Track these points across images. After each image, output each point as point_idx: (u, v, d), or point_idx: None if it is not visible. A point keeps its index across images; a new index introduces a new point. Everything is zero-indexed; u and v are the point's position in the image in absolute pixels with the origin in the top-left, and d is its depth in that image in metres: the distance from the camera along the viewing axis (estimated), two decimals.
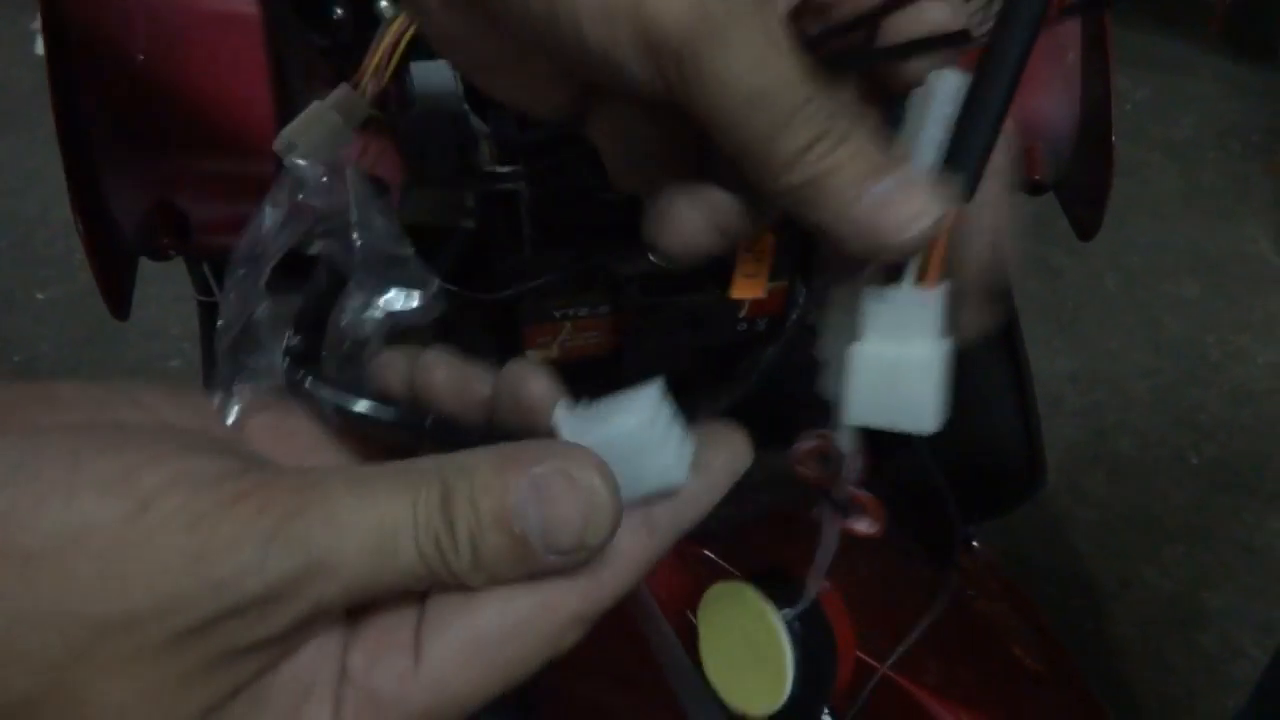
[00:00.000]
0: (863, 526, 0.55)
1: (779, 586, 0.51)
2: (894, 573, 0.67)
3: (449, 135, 0.49)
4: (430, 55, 0.49)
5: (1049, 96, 0.58)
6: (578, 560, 0.23)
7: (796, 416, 0.77)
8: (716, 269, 0.52)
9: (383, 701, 0.23)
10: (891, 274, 0.27)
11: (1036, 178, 0.57)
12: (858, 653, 0.55)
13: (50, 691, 0.19)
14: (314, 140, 0.45)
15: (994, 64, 0.24)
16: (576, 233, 0.47)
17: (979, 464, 0.70)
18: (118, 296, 0.56)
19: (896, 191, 0.24)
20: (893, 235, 0.24)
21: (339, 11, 0.56)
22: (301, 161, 0.46)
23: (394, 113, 0.49)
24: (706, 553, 0.59)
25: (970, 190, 0.25)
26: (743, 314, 0.54)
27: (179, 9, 0.54)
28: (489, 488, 0.23)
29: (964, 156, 0.25)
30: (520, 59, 0.28)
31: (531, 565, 0.23)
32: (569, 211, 0.46)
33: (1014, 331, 0.68)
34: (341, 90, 0.46)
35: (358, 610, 0.24)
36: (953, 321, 0.27)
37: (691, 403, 0.53)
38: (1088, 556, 1.55)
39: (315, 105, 0.46)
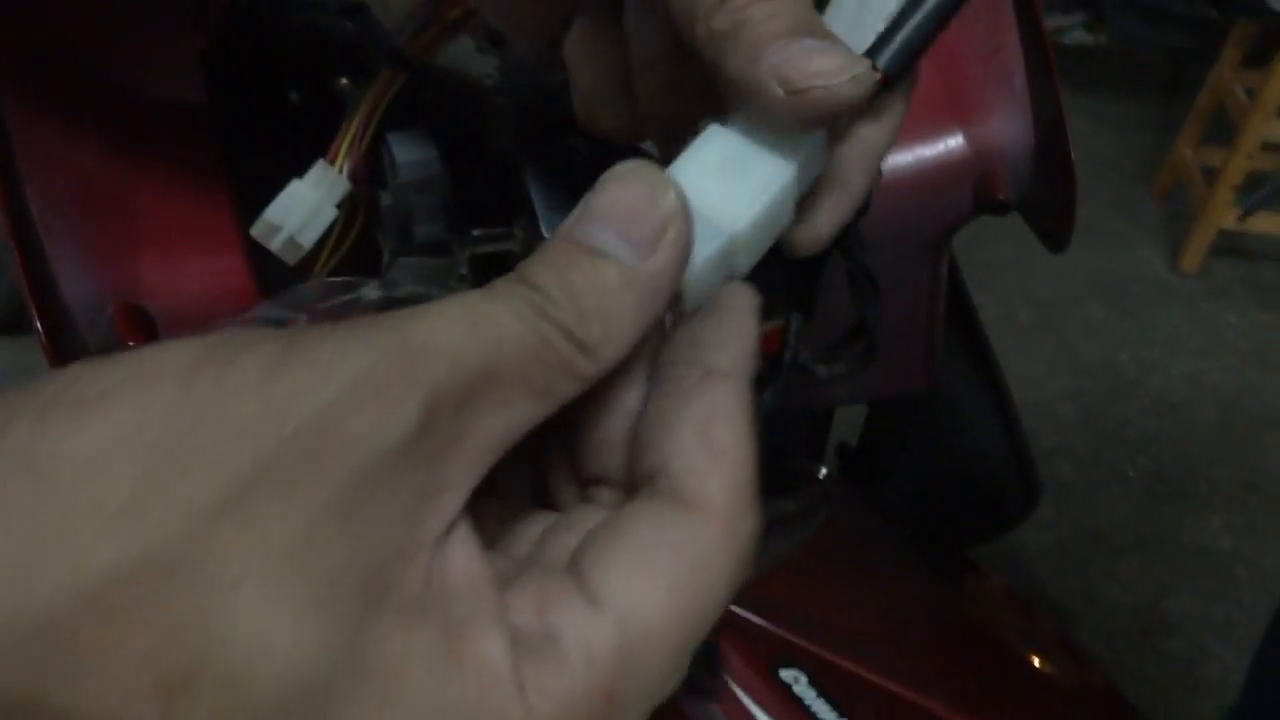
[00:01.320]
0: None
1: None
2: (906, 600, 0.66)
3: (434, 201, 0.47)
4: (405, 125, 0.48)
5: (1002, 120, 0.60)
6: (674, 244, 0.21)
7: (783, 465, 0.76)
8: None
9: (569, 645, 0.18)
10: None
11: (1000, 198, 0.59)
12: (884, 681, 0.54)
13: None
14: (295, 222, 0.44)
15: None
16: None
17: (974, 487, 0.70)
18: None
19: (815, 49, 0.23)
20: (801, 83, 0.23)
21: (294, 95, 0.55)
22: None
23: (373, 186, 0.48)
24: (730, 608, 0.57)
25: (898, 72, 0.24)
26: None
27: (129, 113, 0.52)
28: (554, 249, 0.20)
29: (901, 42, 0.24)
30: None
31: (633, 278, 0.20)
32: None
33: (989, 356, 0.69)
34: (318, 168, 0.45)
35: (491, 522, 0.20)
36: (804, 209, 0.27)
37: None
38: (1048, 580, 1.57)
39: (293, 185, 0.44)
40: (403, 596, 0.17)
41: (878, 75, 0.24)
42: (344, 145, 0.46)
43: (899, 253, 0.61)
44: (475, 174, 0.48)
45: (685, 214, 0.21)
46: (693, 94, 0.28)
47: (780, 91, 0.23)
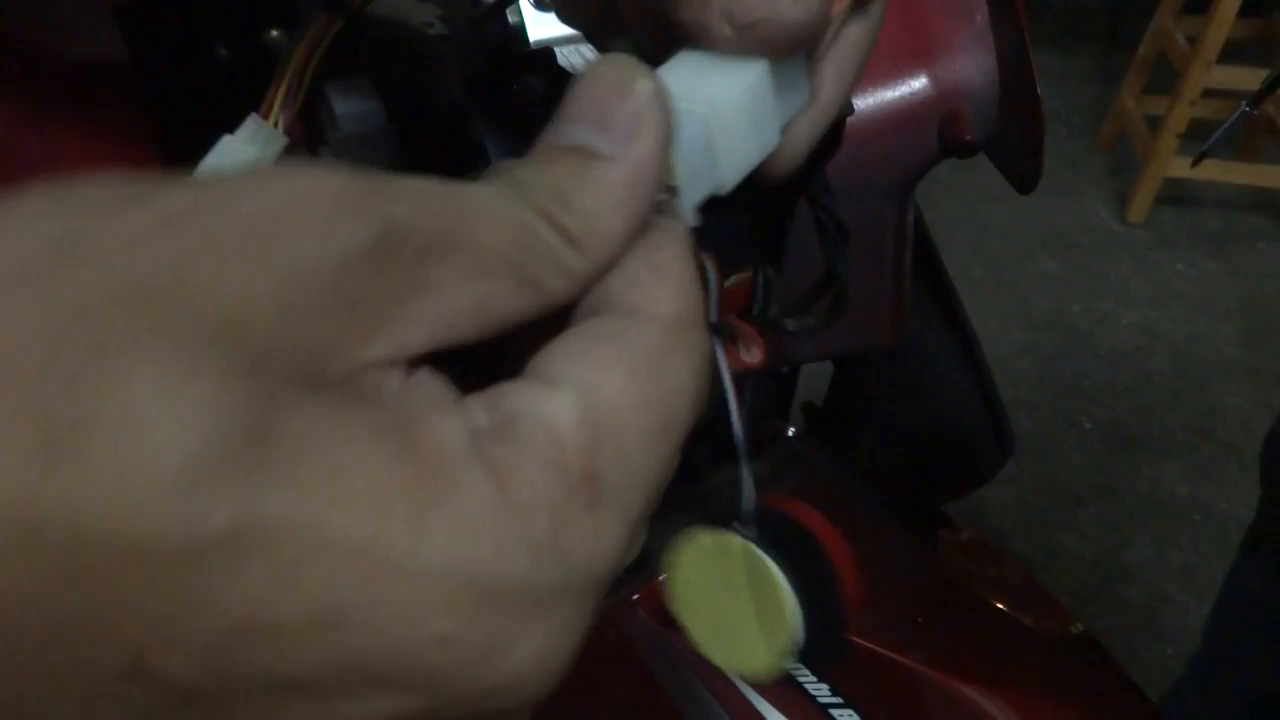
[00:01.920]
0: (749, 357, 0.53)
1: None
2: (883, 559, 0.65)
3: (378, 156, 0.44)
4: (346, 74, 0.44)
5: (966, 59, 0.58)
6: (653, 128, 0.19)
7: (752, 426, 0.74)
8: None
9: (528, 422, 0.16)
10: None
11: (967, 138, 0.57)
12: (863, 640, 0.53)
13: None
14: None
15: None
16: None
17: (945, 442, 0.69)
18: None
19: None
20: (745, 18, 0.22)
21: (222, 50, 0.51)
22: None
23: (312, 141, 0.45)
24: None
25: None
26: None
27: (41, 75, 0.48)
28: (532, 152, 0.19)
29: None
30: None
31: (612, 166, 0.19)
32: None
33: (957, 308, 0.68)
34: (251, 122, 0.42)
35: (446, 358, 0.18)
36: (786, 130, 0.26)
37: None
38: (1011, 534, 1.58)
39: (225, 140, 0.41)
40: (343, 388, 0.15)
41: None
42: (278, 97, 0.43)
43: (864, 201, 0.59)
44: (422, 126, 0.45)
45: (662, 98, 0.19)
46: None
47: (729, 30, 0.22)
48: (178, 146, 0.51)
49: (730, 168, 0.24)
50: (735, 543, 0.42)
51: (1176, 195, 2.27)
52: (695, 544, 0.42)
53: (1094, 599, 1.50)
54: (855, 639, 0.52)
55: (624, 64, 0.20)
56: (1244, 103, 1.71)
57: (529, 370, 0.17)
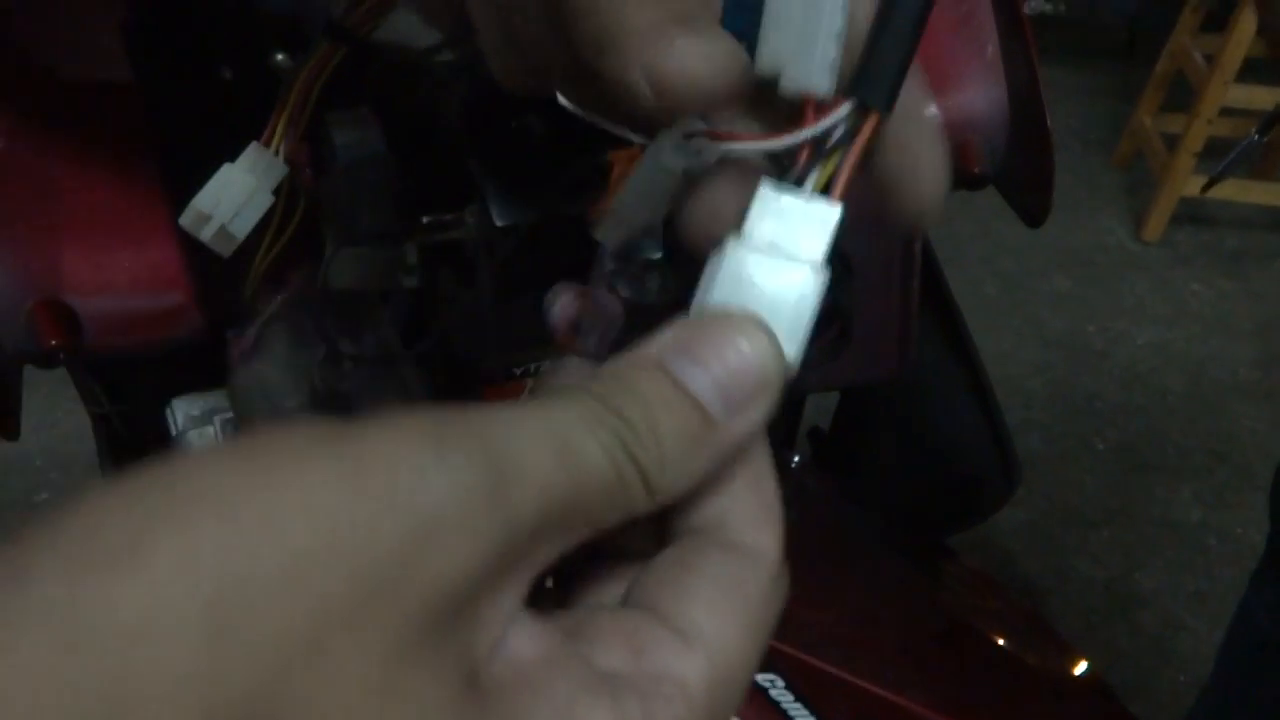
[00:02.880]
0: None
1: None
2: (883, 594, 0.64)
3: (379, 186, 0.44)
4: (347, 103, 0.44)
5: (976, 90, 0.57)
6: (761, 412, 0.21)
7: None
8: (687, 297, 0.49)
9: (670, 683, 0.19)
10: (784, 168, 0.24)
11: (976, 171, 0.56)
12: (860, 680, 0.52)
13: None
14: (228, 210, 0.40)
15: None
16: (543, 273, 0.42)
17: (950, 472, 0.68)
18: (2, 413, 0.49)
19: (701, 43, 0.22)
20: (682, 84, 0.21)
21: (226, 72, 0.51)
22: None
23: (314, 170, 0.44)
24: None
25: (890, 102, 0.22)
26: None
27: (45, 92, 0.48)
28: (646, 377, 0.20)
29: (887, 57, 0.22)
30: None
31: (716, 434, 0.20)
32: (535, 248, 0.41)
33: (965, 338, 0.67)
34: (252, 150, 0.41)
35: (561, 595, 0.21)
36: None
37: None
38: (1022, 556, 1.56)
39: (225, 170, 0.41)
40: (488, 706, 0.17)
41: (874, 113, 0.22)
42: (280, 126, 0.43)
43: (872, 233, 0.58)
44: (423, 156, 0.45)
45: (779, 384, 0.21)
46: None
47: (649, 93, 0.22)
48: (179, 165, 0.51)
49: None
50: None
51: (1193, 214, 2.25)
52: None
53: (1106, 623, 1.48)
54: (853, 678, 0.52)
55: (764, 338, 0.21)
56: (1253, 130, 1.70)
57: (661, 609, 0.20)
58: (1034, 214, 0.57)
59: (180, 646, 0.13)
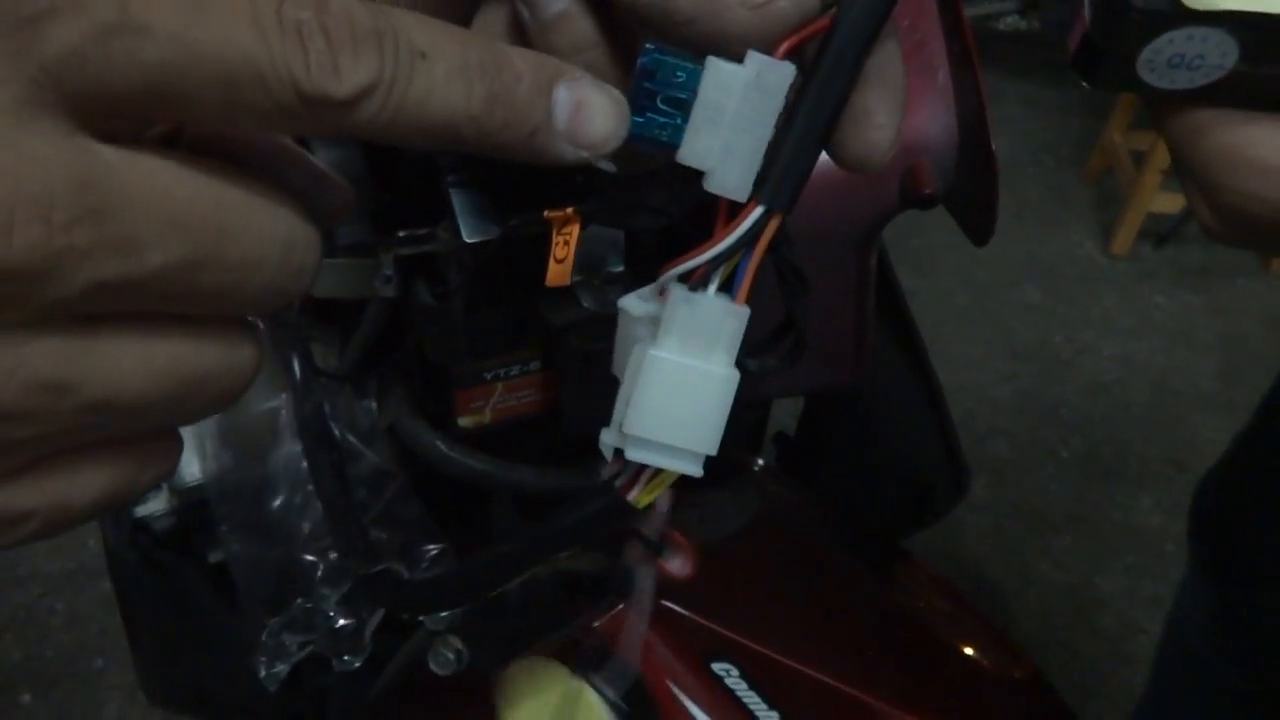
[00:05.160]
0: (676, 567, 0.54)
1: (594, 659, 0.49)
2: (837, 591, 0.67)
3: (359, 202, 0.47)
4: None
5: (927, 115, 0.61)
6: None
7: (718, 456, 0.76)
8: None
9: None
10: (695, 279, 0.25)
11: (927, 191, 0.60)
12: (812, 670, 0.55)
13: None
14: None
15: (832, 61, 0.23)
16: (510, 284, 0.45)
17: (904, 477, 0.71)
18: None
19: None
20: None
21: None
22: None
23: None
24: (663, 602, 0.57)
25: (791, 206, 0.24)
26: None
27: None
28: None
29: (791, 166, 0.24)
30: None
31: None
32: (503, 262, 0.44)
33: (918, 345, 0.70)
34: None
35: None
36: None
37: None
38: (986, 560, 1.60)
39: None
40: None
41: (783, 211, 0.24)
42: None
43: (827, 247, 0.61)
44: (399, 173, 0.48)
45: None
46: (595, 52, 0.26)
47: (743, 8, 0.23)
48: None
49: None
50: (569, 683, 0.42)
51: (1159, 229, 2.30)
52: (531, 674, 0.43)
53: (1066, 626, 1.52)
54: (805, 669, 0.55)
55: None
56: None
57: None
58: (979, 233, 0.60)
59: None
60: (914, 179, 0.60)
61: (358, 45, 0.19)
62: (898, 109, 0.26)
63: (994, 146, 0.58)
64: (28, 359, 0.18)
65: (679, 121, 0.24)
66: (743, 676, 0.53)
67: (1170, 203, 2.21)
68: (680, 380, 0.25)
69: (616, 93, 0.23)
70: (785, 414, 0.86)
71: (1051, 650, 1.48)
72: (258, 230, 0.20)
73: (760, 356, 0.62)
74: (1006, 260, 2.22)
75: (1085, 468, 1.77)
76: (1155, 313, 2.14)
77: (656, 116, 0.24)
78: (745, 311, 0.26)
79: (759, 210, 0.24)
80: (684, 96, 0.24)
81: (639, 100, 0.24)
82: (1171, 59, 0.25)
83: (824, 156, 0.68)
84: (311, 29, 0.18)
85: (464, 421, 0.50)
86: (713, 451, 0.25)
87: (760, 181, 0.24)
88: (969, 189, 0.60)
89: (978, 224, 0.61)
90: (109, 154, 0.18)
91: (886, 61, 0.25)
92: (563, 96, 0.22)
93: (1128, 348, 2.04)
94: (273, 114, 0.19)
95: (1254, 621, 0.73)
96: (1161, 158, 2.17)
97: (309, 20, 0.18)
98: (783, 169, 0.24)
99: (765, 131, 0.24)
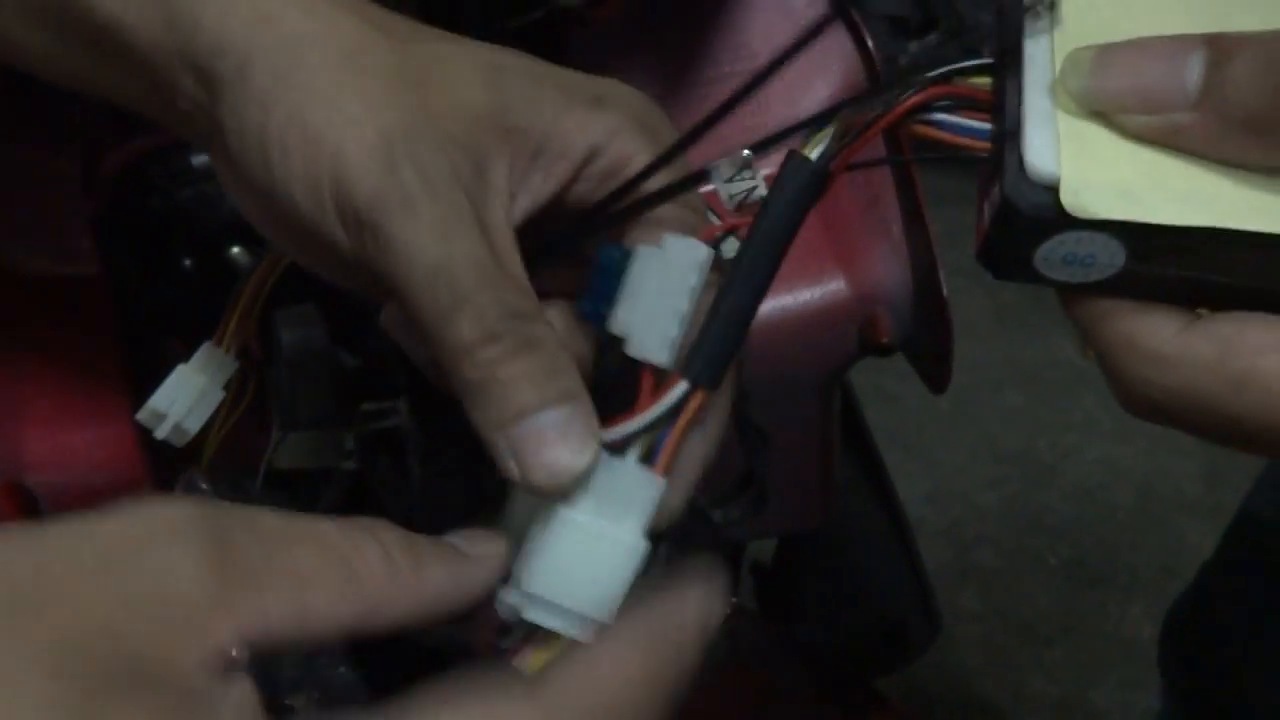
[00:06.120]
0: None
1: None
2: None
3: (320, 377, 0.48)
4: (294, 299, 0.48)
5: (883, 266, 0.62)
6: None
7: None
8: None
9: None
10: (615, 446, 0.27)
11: (884, 341, 0.61)
12: None
13: None
14: (181, 408, 0.44)
15: (755, 249, 0.26)
16: (466, 461, 0.46)
17: (876, 616, 0.71)
18: None
19: (553, 429, 0.25)
20: (534, 474, 0.25)
21: (187, 262, 0.56)
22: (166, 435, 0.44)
23: (260, 361, 0.48)
24: None
25: (716, 383, 0.26)
26: None
27: (14, 285, 0.52)
28: None
29: (715, 344, 0.26)
30: (309, 253, 0.29)
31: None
32: (458, 441, 0.45)
33: (888, 485, 0.71)
34: (204, 351, 0.45)
35: None
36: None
37: None
38: (977, 673, 1.58)
39: (179, 370, 0.44)
40: (167, 690, 0.19)
41: (698, 391, 0.26)
42: (231, 325, 0.46)
43: (787, 393, 0.63)
44: (367, 349, 0.49)
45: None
46: None
47: (515, 469, 0.25)
48: (139, 350, 0.55)
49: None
50: None
51: None
52: None
53: None
54: None
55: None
56: None
57: None
58: (936, 382, 0.62)
59: None
60: (872, 328, 0.62)
61: None
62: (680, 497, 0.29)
63: (946, 296, 0.60)
64: None
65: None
66: None
67: None
68: (588, 544, 0.26)
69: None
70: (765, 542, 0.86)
71: None
72: None
73: (724, 507, 0.63)
74: (987, 365, 2.24)
75: (1074, 575, 1.76)
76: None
77: (595, 304, 0.28)
78: (662, 483, 0.27)
79: (683, 385, 0.26)
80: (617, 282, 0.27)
81: (592, 288, 0.28)
82: (1065, 257, 0.27)
83: (784, 305, 0.69)
84: None
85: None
86: (608, 620, 0.26)
87: (688, 361, 0.26)
88: (925, 339, 0.62)
89: (934, 373, 0.62)
90: None
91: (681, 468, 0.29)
92: None
93: (1111, 451, 2.05)
94: None
95: None
96: None
97: None
98: (708, 349, 0.26)
99: (681, 303, 0.26)
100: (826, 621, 0.73)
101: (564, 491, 0.25)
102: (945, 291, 0.59)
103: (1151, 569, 1.77)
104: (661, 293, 0.26)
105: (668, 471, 0.27)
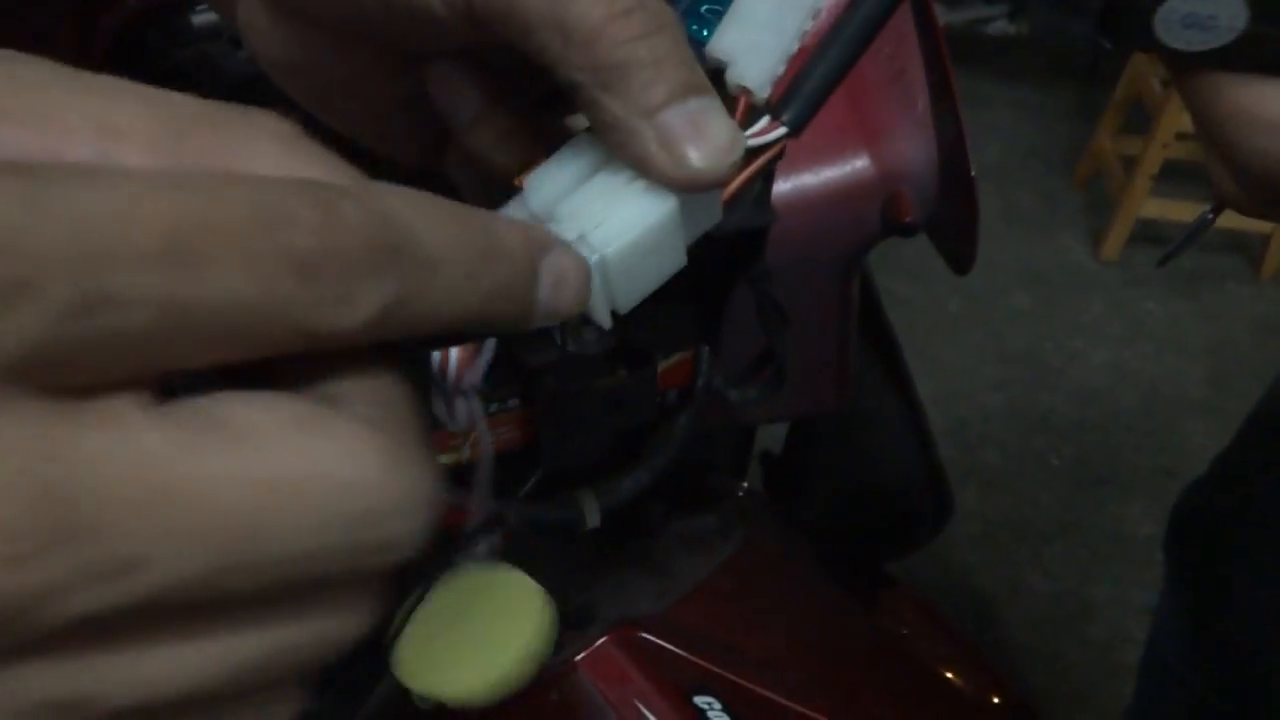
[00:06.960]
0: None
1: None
2: (821, 621, 0.67)
3: None
4: None
5: (907, 143, 0.60)
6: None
7: (705, 479, 0.76)
8: (629, 350, 0.51)
9: None
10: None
11: (907, 220, 0.60)
12: (789, 701, 0.55)
13: None
14: None
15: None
16: None
17: (888, 502, 0.71)
18: None
19: (705, 118, 0.22)
20: (691, 161, 0.22)
21: None
22: None
23: None
24: (645, 635, 0.57)
25: (800, 130, 0.25)
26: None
27: None
28: None
29: (817, 94, 0.25)
30: (347, 64, 0.27)
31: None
32: None
33: (903, 372, 0.70)
34: None
35: None
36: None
37: (617, 484, 0.52)
38: (976, 569, 1.60)
39: None
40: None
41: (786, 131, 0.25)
42: None
43: (808, 274, 0.61)
44: None
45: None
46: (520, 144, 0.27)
47: (663, 157, 0.22)
48: None
49: (627, 296, 0.25)
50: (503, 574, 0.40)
51: (1149, 234, 2.30)
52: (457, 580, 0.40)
53: (1056, 635, 1.52)
54: (788, 702, 0.55)
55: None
56: (1207, 210, 1.74)
57: None
58: (960, 262, 0.60)
59: None
60: (895, 207, 0.60)
61: (369, 270, 0.16)
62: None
63: (974, 174, 0.58)
64: (26, 683, 0.15)
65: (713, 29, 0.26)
66: (725, 710, 0.53)
67: (1160, 208, 2.22)
68: (663, 239, 0.25)
69: (582, 258, 0.22)
70: (772, 432, 0.86)
71: (1041, 659, 1.49)
72: (306, 520, 0.16)
73: (741, 387, 0.62)
74: (997, 267, 2.22)
75: (1076, 476, 1.77)
76: (1145, 319, 2.14)
77: (697, 24, 0.27)
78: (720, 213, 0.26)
79: (781, 130, 0.25)
80: (721, 9, 0.26)
81: (690, 11, 0.27)
82: (1185, 19, 0.27)
83: (805, 184, 0.67)
84: (317, 259, 0.15)
85: (443, 459, 0.50)
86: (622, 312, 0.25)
87: (789, 105, 0.25)
88: (950, 218, 0.60)
89: (959, 252, 0.61)
90: (85, 443, 0.15)
91: None
92: (544, 273, 0.21)
93: (1118, 354, 2.04)
94: (275, 350, 0.16)
95: (1228, 640, 0.74)
96: (1151, 163, 2.17)
97: (315, 249, 0.15)
98: (811, 97, 0.25)
99: (790, 36, 0.25)
100: (837, 507, 0.73)
101: (721, 180, 0.23)
102: (972, 168, 0.57)
103: (1152, 469, 1.78)
104: (772, 27, 0.26)
105: (729, 204, 0.26)
